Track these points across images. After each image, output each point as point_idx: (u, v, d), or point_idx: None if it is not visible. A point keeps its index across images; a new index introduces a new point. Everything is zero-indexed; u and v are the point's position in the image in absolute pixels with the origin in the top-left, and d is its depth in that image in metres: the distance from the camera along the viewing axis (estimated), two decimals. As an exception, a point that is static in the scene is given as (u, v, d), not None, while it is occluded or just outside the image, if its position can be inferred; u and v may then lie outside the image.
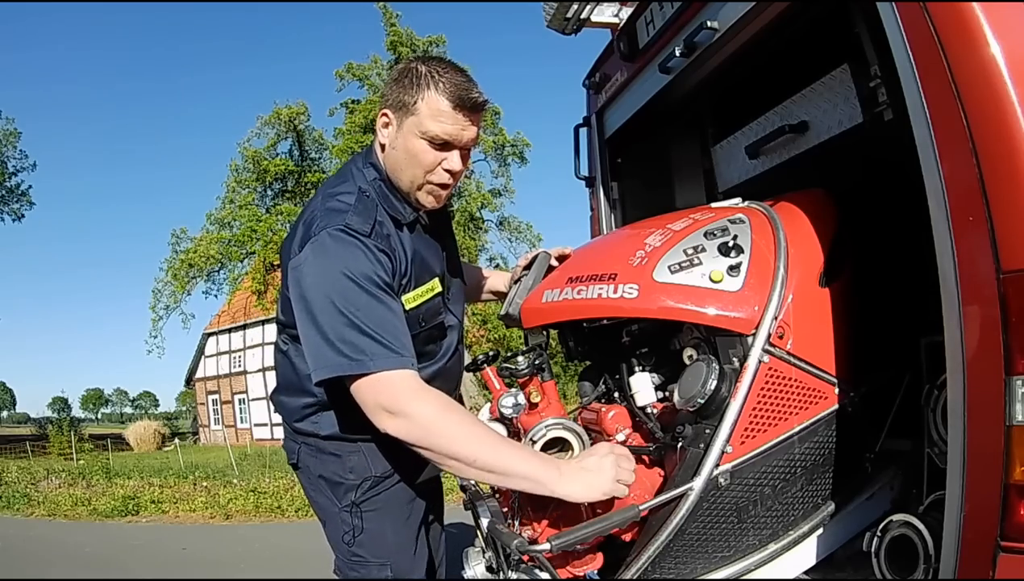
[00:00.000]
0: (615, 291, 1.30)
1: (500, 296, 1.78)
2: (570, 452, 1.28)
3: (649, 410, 1.39)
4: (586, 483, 1.16)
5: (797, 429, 1.25)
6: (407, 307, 1.31)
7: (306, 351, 1.24)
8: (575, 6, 2.04)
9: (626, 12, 2.09)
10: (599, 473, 1.17)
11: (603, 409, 1.45)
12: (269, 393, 1.59)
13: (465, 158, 1.34)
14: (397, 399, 1.17)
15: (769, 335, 1.22)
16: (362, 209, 1.29)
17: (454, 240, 1.59)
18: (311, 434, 1.43)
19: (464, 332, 1.59)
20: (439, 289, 1.41)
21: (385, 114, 1.33)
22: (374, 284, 1.21)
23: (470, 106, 1.28)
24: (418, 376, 1.21)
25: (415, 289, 1.34)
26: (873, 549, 1.21)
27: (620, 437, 1.37)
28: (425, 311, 1.36)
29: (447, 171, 1.32)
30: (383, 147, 1.36)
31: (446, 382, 1.47)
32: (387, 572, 1.37)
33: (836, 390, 1.29)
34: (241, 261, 16.11)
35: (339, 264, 1.20)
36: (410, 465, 1.41)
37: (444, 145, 1.29)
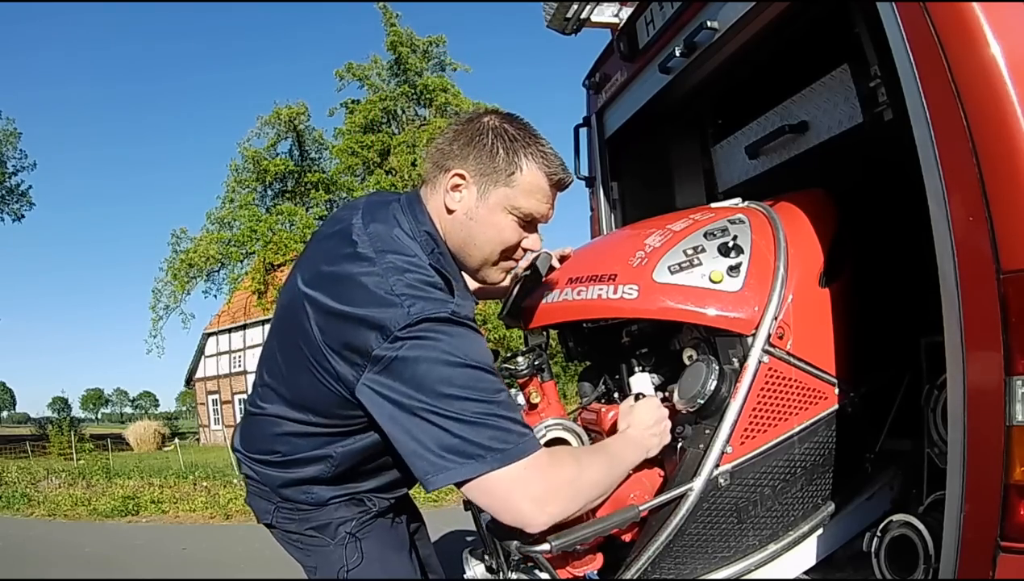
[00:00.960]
0: (615, 292, 1.30)
1: (501, 296, 1.77)
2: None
3: (649, 410, 1.39)
4: (659, 442, 1.24)
5: (797, 429, 1.25)
6: None
7: (435, 448, 1.01)
8: (575, 6, 2.04)
9: (626, 12, 2.09)
10: (655, 423, 1.24)
11: (603, 409, 1.45)
12: (232, 444, 1.37)
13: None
14: (545, 480, 1.03)
15: (769, 335, 1.22)
16: (465, 292, 1.15)
17: None
18: (299, 502, 1.26)
19: None
20: None
21: (461, 176, 1.15)
22: (490, 367, 1.06)
23: (564, 187, 1.20)
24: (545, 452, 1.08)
25: None
26: (873, 549, 1.21)
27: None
28: None
29: (525, 249, 1.22)
30: (450, 212, 1.18)
31: None
32: None
33: (836, 390, 1.29)
34: (241, 261, 16.12)
35: (458, 353, 1.03)
36: (397, 503, 1.36)
37: (529, 223, 1.19)
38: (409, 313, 1.02)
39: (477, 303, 1.30)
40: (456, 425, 1.00)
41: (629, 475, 1.24)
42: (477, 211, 1.16)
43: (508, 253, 1.21)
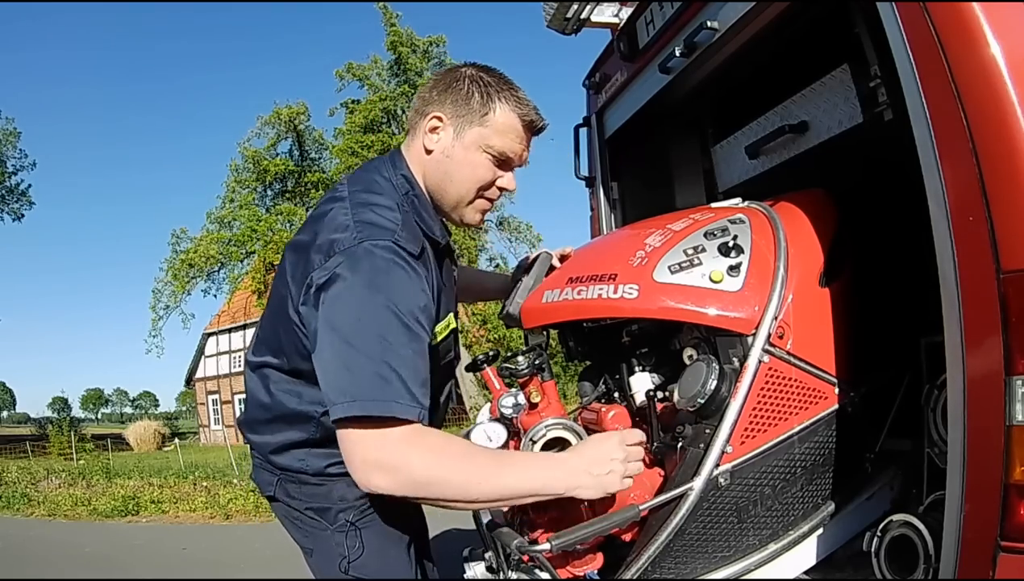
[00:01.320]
0: (615, 291, 1.30)
1: (501, 296, 1.76)
2: None
3: (649, 410, 1.38)
4: (597, 484, 1.10)
5: (797, 429, 1.25)
6: (433, 342, 1.18)
7: (327, 379, 1.06)
8: (575, 6, 2.04)
9: (626, 12, 2.09)
10: (608, 474, 1.11)
11: (603, 409, 1.45)
12: (237, 420, 1.42)
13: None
14: (390, 451, 1.02)
15: (769, 335, 1.22)
16: (411, 228, 1.17)
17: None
18: (296, 471, 1.27)
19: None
20: (455, 325, 1.33)
21: (438, 118, 1.21)
22: (414, 319, 1.07)
23: (536, 129, 1.26)
24: (424, 427, 1.06)
25: (440, 322, 1.23)
26: (873, 549, 1.21)
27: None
28: (444, 347, 1.27)
29: (501, 189, 1.27)
30: (428, 153, 1.24)
31: (436, 420, 1.31)
32: None
33: (836, 390, 1.29)
34: (241, 261, 16.15)
35: (383, 288, 1.05)
36: None
37: (504, 162, 1.24)
38: (356, 237, 1.08)
39: (444, 242, 1.30)
40: (352, 363, 1.02)
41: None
42: (453, 150, 1.22)
43: (483, 190, 1.26)
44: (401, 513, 1.34)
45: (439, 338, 1.23)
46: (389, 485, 1.03)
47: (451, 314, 1.32)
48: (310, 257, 1.12)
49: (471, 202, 1.26)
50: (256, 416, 1.30)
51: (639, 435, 1.20)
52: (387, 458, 1.02)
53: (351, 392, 1.02)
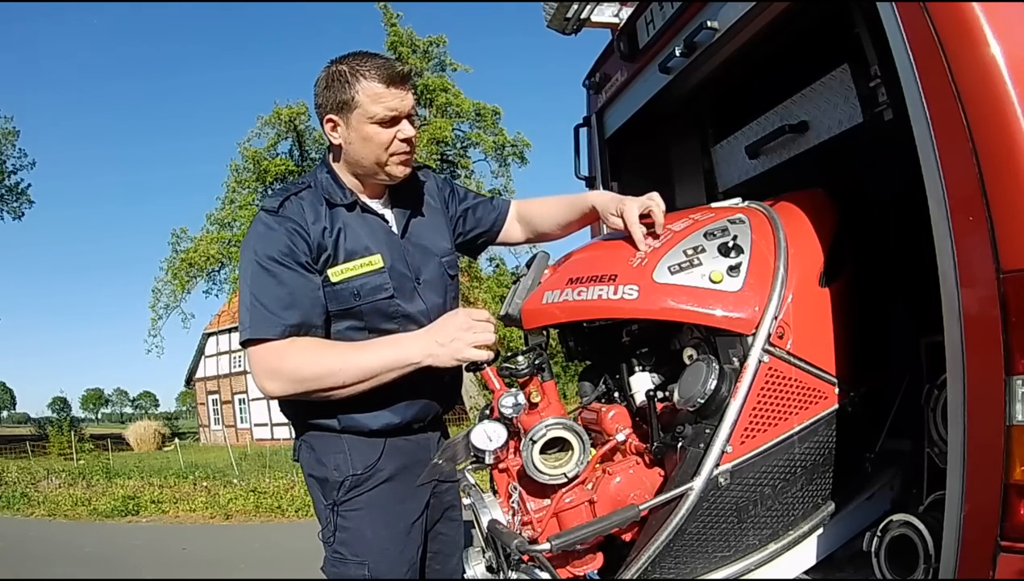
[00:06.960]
0: (615, 292, 1.30)
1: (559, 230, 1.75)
2: (570, 452, 1.28)
3: (649, 410, 1.38)
4: (447, 352, 1.34)
5: (797, 429, 1.25)
6: (333, 279, 1.40)
7: None
8: (575, 6, 2.04)
9: (626, 12, 2.09)
10: (452, 342, 1.34)
11: (603, 409, 1.45)
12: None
13: (412, 123, 1.46)
14: (269, 361, 1.33)
15: (769, 335, 1.22)
16: (280, 191, 1.47)
17: (443, 234, 1.63)
18: (301, 424, 1.48)
19: None
20: (379, 266, 1.45)
21: (330, 120, 1.44)
22: (270, 259, 1.35)
23: (400, 79, 1.41)
24: (297, 338, 1.34)
25: (343, 263, 1.42)
26: (873, 549, 1.21)
27: (620, 437, 1.37)
28: (361, 286, 1.42)
29: (403, 140, 1.44)
30: (340, 148, 1.47)
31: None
32: (364, 571, 1.38)
33: (836, 390, 1.29)
34: (241, 261, 16.10)
35: (248, 243, 1.40)
36: (392, 463, 1.45)
37: (392, 121, 1.41)
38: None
39: (349, 200, 1.48)
40: (240, 305, 1.38)
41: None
42: (351, 136, 1.43)
43: (389, 149, 1.43)
44: (394, 497, 1.44)
45: (347, 275, 1.41)
46: (276, 387, 1.34)
47: (373, 256, 1.45)
48: None
49: (386, 163, 1.44)
50: None
51: (484, 313, 1.41)
52: (268, 367, 1.34)
53: (240, 326, 1.36)
